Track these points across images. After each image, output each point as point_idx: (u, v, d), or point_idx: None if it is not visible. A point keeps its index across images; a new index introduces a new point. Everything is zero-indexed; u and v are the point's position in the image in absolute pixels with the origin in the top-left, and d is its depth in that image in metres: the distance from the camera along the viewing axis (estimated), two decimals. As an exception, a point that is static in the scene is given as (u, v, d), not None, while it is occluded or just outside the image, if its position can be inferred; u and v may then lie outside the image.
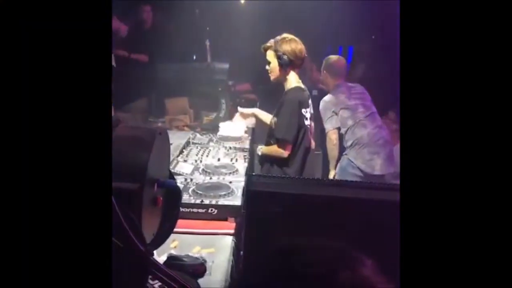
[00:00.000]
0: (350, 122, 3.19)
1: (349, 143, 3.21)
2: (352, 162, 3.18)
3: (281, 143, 2.48)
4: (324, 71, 3.32)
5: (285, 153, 2.47)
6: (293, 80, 2.52)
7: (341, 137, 3.25)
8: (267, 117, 2.77)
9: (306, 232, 1.29)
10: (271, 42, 2.48)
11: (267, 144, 2.62)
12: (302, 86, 2.55)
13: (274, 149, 2.51)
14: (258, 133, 3.40)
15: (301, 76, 2.65)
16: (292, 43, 2.44)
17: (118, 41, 3.87)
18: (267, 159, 2.57)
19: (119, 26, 3.93)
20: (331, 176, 3.21)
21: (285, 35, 2.48)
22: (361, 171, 3.16)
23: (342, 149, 3.28)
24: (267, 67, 2.52)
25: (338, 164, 3.28)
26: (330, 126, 3.20)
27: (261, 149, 2.61)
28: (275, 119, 2.53)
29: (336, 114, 3.20)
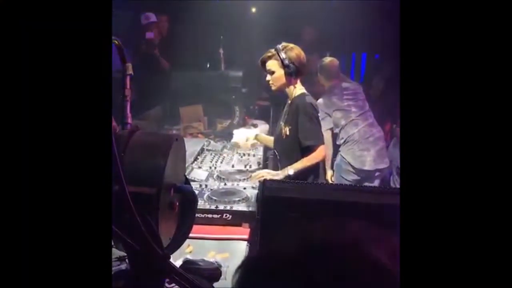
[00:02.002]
0: (343, 122, 3.35)
1: (342, 141, 3.38)
2: (344, 158, 3.35)
3: (312, 149, 2.33)
4: (319, 74, 3.41)
5: (321, 157, 2.36)
6: (299, 87, 2.43)
7: (335, 137, 3.40)
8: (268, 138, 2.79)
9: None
10: (272, 52, 2.35)
11: (276, 153, 2.53)
12: (306, 92, 2.46)
13: (309, 159, 2.31)
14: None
15: (308, 83, 2.62)
16: (296, 50, 2.34)
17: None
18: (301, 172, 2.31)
19: (146, 14, 4.10)
20: (328, 176, 3.29)
21: (285, 43, 2.36)
22: (352, 166, 3.31)
23: (336, 148, 3.42)
24: (268, 78, 2.39)
25: (334, 163, 3.43)
26: (323, 127, 3.31)
27: (290, 169, 2.28)
28: (289, 127, 2.40)
29: (329, 115, 3.35)
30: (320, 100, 3.36)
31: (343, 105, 3.36)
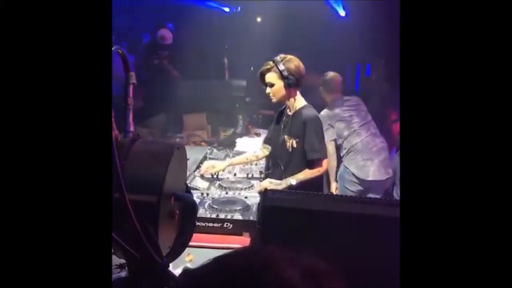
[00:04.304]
0: (346, 133, 3.35)
1: (345, 151, 3.37)
2: (347, 168, 3.34)
3: (317, 162, 2.34)
4: (321, 87, 3.45)
5: (323, 170, 2.38)
6: (300, 99, 2.43)
7: (338, 148, 3.40)
8: (241, 159, 2.72)
9: (320, 248, 1.30)
10: (270, 64, 2.35)
11: (275, 164, 2.52)
12: (308, 104, 2.47)
13: (313, 172, 2.33)
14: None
15: (313, 94, 2.62)
16: (295, 62, 2.34)
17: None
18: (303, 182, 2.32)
19: (164, 34, 4.16)
20: (333, 188, 3.28)
21: (283, 55, 2.37)
22: (355, 176, 3.30)
23: (340, 159, 3.42)
24: (268, 90, 2.39)
25: (338, 173, 3.42)
26: (326, 138, 3.32)
27: (292, 179, 2.30)
28: (296, 140, 2.38)
29: (332, 126, 3.35)
30: (323, 112, 3.38)
31: (345, 115, 3.38)
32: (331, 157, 3.30)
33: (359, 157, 3.31)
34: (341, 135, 3.36)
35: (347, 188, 3.33)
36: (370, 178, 3.28)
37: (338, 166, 3.45)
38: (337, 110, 3.37)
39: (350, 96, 3.59)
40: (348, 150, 3.35)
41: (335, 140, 3.36)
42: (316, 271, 0.48)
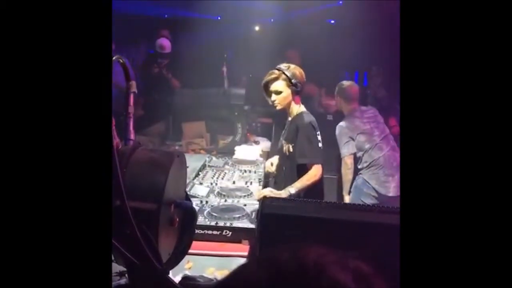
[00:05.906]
0: (367, 146, 3.28)
1: (365, 165, 3.29)
2: (367, 182, 3.26)
3: (307, 167, 2.36)
4: (338, 97, 3.42)
5: (318, 176, 2.36)
6: (300, 105, 2.51)
7: (356, 161, 3.33)
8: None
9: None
10: (276, 73, 2.40)
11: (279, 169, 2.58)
12: (306, 110, 2.52)
13: (308, 178, 2.34)
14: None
15: (311, 102, 2.65)
16: (299, 69, 2.44)
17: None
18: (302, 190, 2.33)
19: (162, 43, 4.18)
20: (346, 201, 3.23)
21: (286, 64, 2.44)
22: (376, 191, 3.24)
23: (356, 171, 3.35)
24: (273, 97, 2.42)
25: (353, 184, 3.34)
26: (346, 151, 3.27)
27: (292, 187, 2.30)
28: (291, 145, 2.45)
29: (353, 139, 3.28)
30: (343, 124, 3.33)
31: (366, 128, 3.30)
32: (348, 170, 3.28)
33: (381, 172, 3.23)
34: (361, 147, 3.28)
35: (362, 201, 3.21)
36: (390, 194, 3.20)
37: (353, 179, 3.35)
38: (357, 122, 3.30)
39: (367, 106, 3.52)
40: (369, 164, 3.27)
41: (354, 154, 3.30)
42: (365, 272, 0.49)
